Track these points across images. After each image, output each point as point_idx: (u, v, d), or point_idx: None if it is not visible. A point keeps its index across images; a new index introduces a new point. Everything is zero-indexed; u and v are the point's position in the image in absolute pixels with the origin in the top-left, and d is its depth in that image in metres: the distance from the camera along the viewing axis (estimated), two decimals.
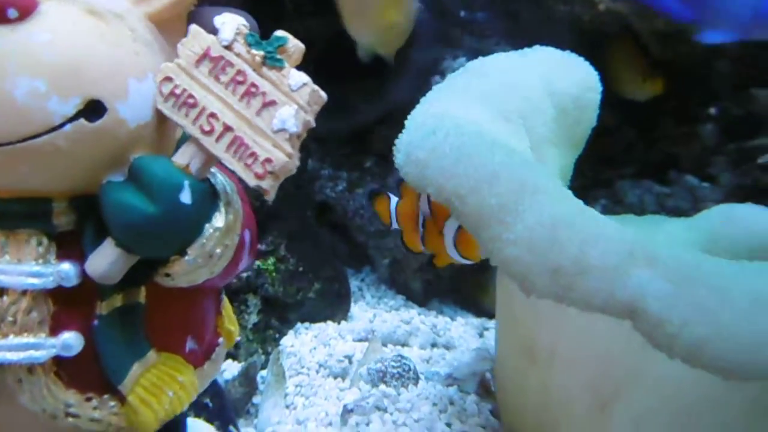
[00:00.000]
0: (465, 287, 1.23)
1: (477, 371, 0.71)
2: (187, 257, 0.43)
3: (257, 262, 0.92)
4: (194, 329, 0.51)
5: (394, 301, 1.20)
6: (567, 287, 0.40)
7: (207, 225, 0.44)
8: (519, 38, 0.97)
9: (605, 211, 1.11)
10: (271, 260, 0.93)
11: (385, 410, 0.63)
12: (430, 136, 0.50)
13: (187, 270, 0.44)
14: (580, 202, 0.45)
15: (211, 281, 0.48)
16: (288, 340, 0.91)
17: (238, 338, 0.88)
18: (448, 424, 0.61)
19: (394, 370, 0.72)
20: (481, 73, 0.67)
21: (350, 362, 0.84)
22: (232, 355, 0.86)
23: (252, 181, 0.43)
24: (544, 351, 0.55)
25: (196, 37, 0.43)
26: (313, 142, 1.29)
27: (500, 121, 0.60)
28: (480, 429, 0.60)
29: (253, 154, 0.43)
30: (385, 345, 0.95)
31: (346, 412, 0.63)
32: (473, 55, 0.84)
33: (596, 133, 1.19)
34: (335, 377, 0.81)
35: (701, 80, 1.05)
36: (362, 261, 1.32)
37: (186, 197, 0.42)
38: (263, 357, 0.86)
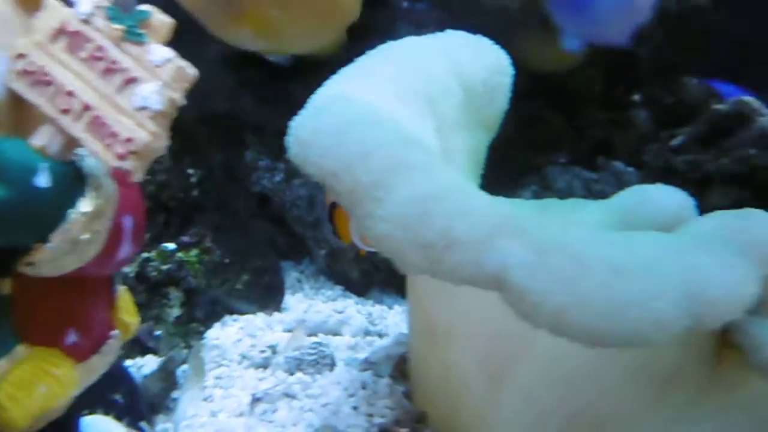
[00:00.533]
0: (401, 275, 1.22)
1: (392, 355, 0.71)
2: (49, 244, 0.41)
3: (179, 254, 0.90)
4: (76, 321, 0.49)
5: (332, 292, 1.19)
6: (436, 261, 0.40)
7: (71, 210, 0.42)
8: (455, 28, 0.97)
9: (535, 197, 1.13)
10: (194, 252, 0.91)
11: (294, 397, 0.62)
12: (315, 115, 0.49)
13: (51, 258, 0.42)
14: (461, 178, 0.45)
15: (86, 270, 0.46)
16: (214, 333, 0.89)
17: (159, 332, 0.86)
18: (355, 408, 0.60)
19: (311, 358, 0.71)
20: (387, 56, 0.66)
21: (274, 352, 0.83)
22: (152, 350, 0.84)
23: (113, 162, 0.41)
24: (442, 330, 0.55)
25: (52, 11, 0.42)
26: (251, 134, 1.27)
27: (401, 102, 0.60)
28: (388, 411, 0.60)
29: (113, 134, 0.41)
30: (315, 334, 0.94)
31: (255, 400, 0.62)
32: None
33: (527, 120, 1.20)
34: (257, 368, 0.80)
35: (624, 66, 1.07)
36: (302, 252, 1.31)
37: (42, 181, 0.40)
38: (185, 351, 0.84)
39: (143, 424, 0.68)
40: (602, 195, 1.09)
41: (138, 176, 0.43)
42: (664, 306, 0.37)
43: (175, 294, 0.88)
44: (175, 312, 0.87)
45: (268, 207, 1.27)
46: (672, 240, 0.45)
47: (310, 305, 1.07)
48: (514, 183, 1.17)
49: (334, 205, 0.88)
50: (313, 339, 0.84)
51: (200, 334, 0.89)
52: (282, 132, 1.35)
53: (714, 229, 0.45)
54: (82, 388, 0.50)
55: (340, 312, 1.03)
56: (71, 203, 0.42)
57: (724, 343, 0.47)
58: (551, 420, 0.49)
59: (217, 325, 0.92)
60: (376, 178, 0.42)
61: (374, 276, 1.22)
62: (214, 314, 0.93)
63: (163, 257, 0.88)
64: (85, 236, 0.43)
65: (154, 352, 0.84)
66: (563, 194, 1.13)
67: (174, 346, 0.84)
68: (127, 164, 0.42)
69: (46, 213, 0.41)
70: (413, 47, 0.70)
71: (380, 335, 0.99)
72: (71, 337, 0.49)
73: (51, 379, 0.45)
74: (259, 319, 0.96)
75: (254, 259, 1.01)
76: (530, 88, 1.15)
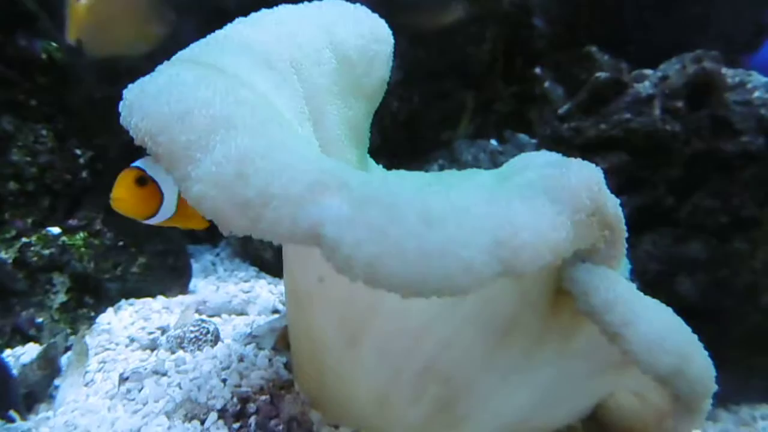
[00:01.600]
0: None
1: (276, 327, 0.70)
2: None
3: (63, 238, 0.86)
4: None
5: (245, 273, 1.17)
6: (255, 220, 0.39)
7: None
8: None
9: (441, 170, 1.14)
10: (80, 235, 0.88)
11: (164, 374, 0.61)
12: (147, 78, 0.47)
13: None
14: (294, 135, 0.45)
15: None
16: (105, 318, 0.87)
17: (41, 320, 0.83)
18: (224, 380, 0.59)
19: (192, 335, 0.70)
20: (255, 22, 0.65)
21: (163, 333, 0.81)
22: (33, 338, 0.80)
23: None
24: (304, 295, 0.55)
25: None
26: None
27: (261, 68, 0.59)
28: (262, 381, 0.59)
29: None
30: (219, 315, 0.93)
31: (122, 379, 0.60)
32: None
33: (436, 96, 1.20)
34: (144, 349, 0.78)
35: (522, 40, 1.09)
36: (218, 235, 1.29)
37: None
38: (72, 338, 0.81)
39: (12, 413, 0.65)
40: None
41: None
42: (472, 253, 0.38)
43: (59, 279, 0.84)
44: (61, 298, 0.84)
45: None
46: (491, 188, 0.47)
47: (220, 287, 1.05)
48: (422, 157, 1.18)
49: None
50: (229, 320, 0.82)
51: (90, 320, 0.86)
52: None
53: (534, 177, 0.46)
54: None
55: (247, 292, 1.02)
56: None
57: (559, 291, 0.48)
58: (404, 375, 0.50)
59: (110, 310, 0.89)
60: (193, 138, 0.41)
61: None
62: (108, 299, 0.91)
63: (44, 241, 0.84)
64: None
65: (36, 340, 0.80)
66: (470, 167, 1.15)
67: (57, 333, 0.81)
68: None
69: None
70: (285, 15, 0.69)
71: None
72: None
73: None
74: (157, 302, 0.94)
75: (154, 241, 0.99)
76: (438, 64, 1.16)
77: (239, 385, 0.58)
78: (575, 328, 0.49)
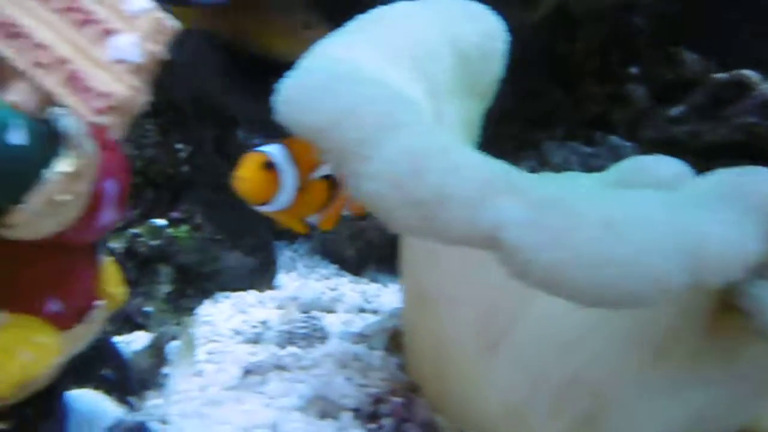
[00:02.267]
0: (396, 254, 1.21)
1: (386, 327, 0.70)
2: (25, 205, 0.40)
3: (169, 230, 0.88)
4: (57, 289, 0.48)
5: (326, 270, 1.18)
6: (428, 219, 0.38)
7: (49, 170, 0.40)
8: None
9: (532, 172, 1.11)
10: (183, 228, 0.89)
11: (285, 369, 0.61)
12: (302, 74, 0.47)
13: (28, 219, 0.40)
14: (451, 137, 0.44)
15: (67, 235, 0.44)
16: (205, 309, 0.88)
17: (150, 308, 0.85)
18: (348, 378, 0.59)
19: (302, 331, 0.70)
20: (376, 19, 0.64)
21: (266, 328, 0.82)
22: (142, 326, 0.83)
23: (90, 117, 0.40)
24: (432, 297, 0.54)
25: None
26: (239, 109, 1.25)
27: (390, 64, 0.58)
28: (381, 382, 0.59)
29: (89, 88, 0.39)
30: (307, 312, 0.93)
31: (245, 372, 0.61)
32: None
33: (524, 95, 1.18)
34: (248, 342, 0.79)
35: (621, 38, 1.05)
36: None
37: (15, 137, 0.38)
38: (176, 327, 0.83)
39: (132, 399, 0.67)
40: (599, 169, 1.08)
41: (117, 133, 0.41)
42: (661, 261, 0.36)
43: (165, 270, 0.86)
44: (166, 288, 0.86)
45: None
46: (669, 197, 0.44)
47: (304, 284, 1.06)
48: (511, 159, 1.16)
49: None
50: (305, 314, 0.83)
51: (191, 311, 0.88)
52: (274, 111, 1.33)
53: (714, 186, 0.44)
54: (67, 356, 0.49)
55: (333, 289, 1.02)
56: (48, 162, 0.41)
57: (723, 307, 0.45)
58: (545, 386, 0.48)
59: (207, 302, 0.91)
60: (364, 135, 0.40)
61: (369, 255, 1.21)
62: (205, 291, 0.92)
63: (152, 233, 0.87)
64: (64, 198, 0.41)
65: (144, 328, 0.82)
66: (560, 169, 1.12)
67: (164, 323, 0.83)
68: (104, 120, 0.40)
69: (21, 172, 0.40)
70: (404, 12, 0.68)
71: (375, 312, 0.98)
72: (53, 305, 0.47)
73: (33, 346, 0.44)
74: (250, 296, 0.95)
75: (247, 236, 1.00)
76: (529, 61, 1.13)
77: (365, 385, 0.58)
78: (739, 347, 0.46)
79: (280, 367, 0.60)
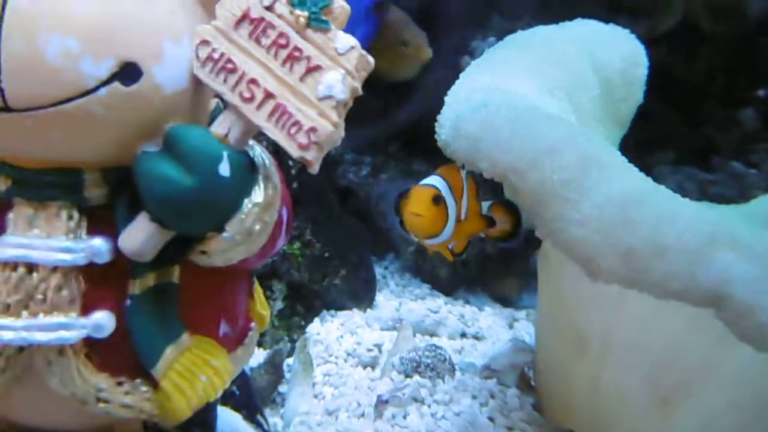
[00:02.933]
0: (492, 276, 1.19)
1: (516, 363, 0.68)
2: (225, 234, 0.40)
3: (283, 247, 0.89)
4: (227, 312, 0.49)
5: (420, 290, 1.16)
6: (641, 271, 0.37)
7: (246, 200, 0.41)
8: (549, 17, 0.93)
9: None
10: (296, 245, 0.90)
11: (422, 402, 0.60)
12: (480, 108, 0.46)
13: (225, 247, 0.41)
14: (650, 179, 0.42)
15: (247, 261, 0.45)
16: (314, 328, 0.88)
17: None
18: (491, 419, 0.57)
19: (429, 360, 0.69)
20: (521, 45, 0.63)
21: (380, 351, 0.81)
22: (257, 342, 0.83)
23: (296, 152, 0.40)
24: (596, 341, 0.52)
25: None
26: None
27: (546, 95, 0.57)
28: (524, 424, 0.57)
29: (296, 123, 0.40)
30: (413, 334, 0.92)
31: (381, 402, 0.60)
32: (503, 34, 0.80)
33: (638, 116, 1.14)
34: (365, 366, 0.78)
35: (749, 58, 1.00)
36: (385, 248, 1.29)
37: (225, 169, 0.39)
38: (289, 345, 0.84)
39: (260, 419, 0.67)
40: (721, 198, 1.03)
41: (316, 168, 0.41)
42: None
43: (278, 287, 0.87)
44: (279, 305, 0.87)
45: (352, 201, 1.26)
46: None
47: (401, 303, 1.05)
48: None
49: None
50: (422, 340, 0.82)
51: (301, 329, 0.89)
52: (367, 121, 1.33)
53: None
54: (231, 379, 0.49)
55: (435, 312, 1.01)
56: (246, 193, 0.41)
57: None
58: None
59: (316, 320, 0.91)
60: (567, 177, 0.39)
61: (463, 275, 1.19)
62: (314, 309, 0.93)
63: None
64: (257, 227, 0.42)
65: (259, 344, 0.83)
66: None
67: (279, 340, 0.84)
68: (309, 155, 0.40)
69: (225, 202, 0.40)
70: (545, 37, 0.67)
71: (477, 338, 0.96)
72: (224, 328, 0.48)
73: (210, 369, 0.44)
74: (356, 315, 0.95)
75: (351, 253, 1.00)
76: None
77: (510, 428, 0.56)
78: None
79: (418, 401, 0.59)
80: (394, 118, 1.25)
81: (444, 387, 0.64)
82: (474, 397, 0.61)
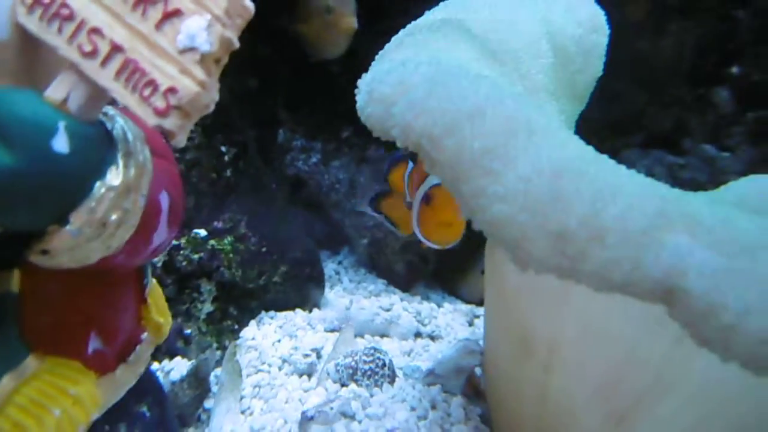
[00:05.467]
0: (453, 271, 1.12)
1: (463, 366, 0.60)
2: (69, 227, 0.32)
3: (211, 242, 0.81)
4: (99, 324, 0.40)
5: (375, 286, 1.09)
6: (576, 258, 0.29)
7: (98, 183, 0.33)
8: None
9: None
10: (227, 239, 0.82)
11: (352, 417, 0.52)
12: (397, 68, 0.38)
13: (71, 244, 0.33)
14: (591, 148, 0.34)
15: (114, 261, 0.36)
16: (249, 332, 0.80)
17: (188, 331, 0.77)
18: None
19: (366, 366, 0.61)
20: (466, 6, 0.56)
21: (318, 356, 0.73)
22: (181, 352, 0.74)
23: (152, 120, 0.32)
24: (542, 345, 0.45)
25: None
26: (284, 110, 1.17)
27: (488, 60, 0.49)
28: None
29: (151, 82, 0.31)
30: (361, 336, 0.85)
31: (306, 420, 0.52)
32: None
33: (603, 98, 1.08)
34: (300, 375, 0.70)
35: (722, 34, 0.94)
36: (340, 241, 1.22)
37: (61, 144, 0.31)
38: (219, 352, 0.75)
39: None
40: (692, 183, 0.97)
41: (181, 139, 0.33)
42: None
43: (206, 287, 0.78)
44: (207, 308, 0.78)
45: (302, 191, 1.18)
46: None
47: (352, 301, 0.98)
48: None
49: (381, 194, 0.78)
50: (365, 343, 0.74)
51: (234, 333, 0.80)
52: (318, 109, 1.25)
53: None
54: (105, 408, 0.41)
55: (387, 310, 0.94)
56: (96, 175, 0.33)
57: None
58: None
59: (252, 323, 0.83)
60: (489, 144, 0.31)
61: (421, 270, 1.12)
62: (249, 310, 0.84)
63: (193, 245, 0.79)
64: (114, 216, 0.33)
65: (183, 354, 0.74)
66: None
67: (206, 347, 0.75)
68: (168, 122, 0.32)
69: (64, 186, 0.32)
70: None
71: (432, 337, 0.89)
72: (94, 344, 0.39)
73: (68, 400, 0.36)
74: (298, 316, 0.87)
75: (294, 248, 0.92)
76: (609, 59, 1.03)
77: None
78: None
79: (347, 416, 0.52)
80: (345, 102, 1.17)
81: (380, 398, 0.56)
82: (412, 409, 0.54)
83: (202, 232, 0.81)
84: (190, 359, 0.72)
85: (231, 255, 0.81)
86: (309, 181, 1.15)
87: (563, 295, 0.41)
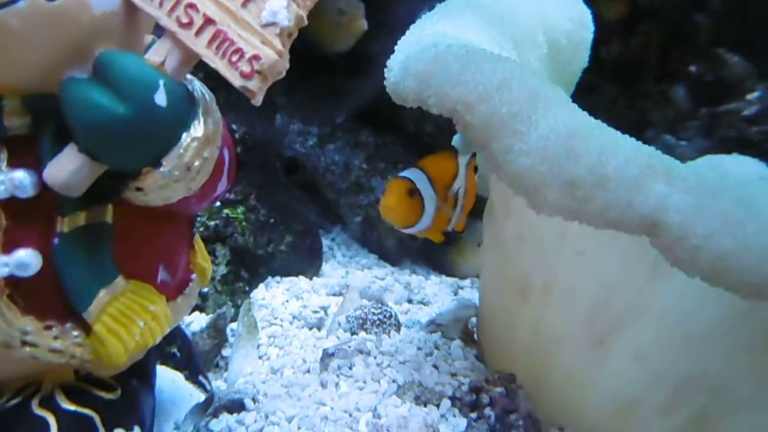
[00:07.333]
0: (438, 247, 1.20)
1: (461, 317, 0.68)
2: (162, 168, 0.38)
3: (226, 210, 0.87)
4: (166, 259, 0.46)
5: (367, 260, 1.16)
6: (583, 200, 0.37)
7: (184, 133, 0.39)
8: None
9: None
10: (240, 209, 0.88)
11: (368, 353, 0.59)
12: (430, 48, 0.46)
13: (162, 183, 0.39)
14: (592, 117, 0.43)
15: (188, 202, 0.43)
16: (259, 293, 0.86)
17: (206, 289, 0.83)
18: (435, 366, 0.58)
19: (375, 317, 0.69)
20: (470, 2, 0.63)
21: (326, 313, 0.80)
22: (199, 307, 0.81)
23: (237, 81, 0.38)
24: (537, 286, 0.53)
25: None
26: (281, 96, 1.23)
27: (495, 48, 0.57)
28: (467, 371, 0.58)
29: (238, 50, 0.38)
30: (359, 298, 0.92)
31: (327, 356, 0.59)
32: None
33: (578, 90, 1.17)
34: (311, 328, 0.77)
35: (681, 35, 1.04)
36: (332, 220, 1.28)
37: (161, 98, 0.37)
38: (232, 310, 0.81)
39: (202, 379, 0.65)
40: None
41: (259, 99, 0.40)
42: None
43: (221, 251, 0.84)
44: (222, 270, 0.84)
45: (299, 173, 1.24)
46: None
47: (348, 272, 1.05)
48: None
49: None
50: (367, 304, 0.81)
51: (245, 294, 0.86)
52: (314, 96, 1.30)
53: None
54: (171, 328, 0.47)
55: (382, 279, 1.01)
56: (185, 127, 0.39)
57: None
58: (663, 382, 0.47)
59: (261, 286, 0.89)
60: (515, 109, 0.39)
61: (408, 246, 1.20)
62: (258, 275, 0.91)
63: (209, 213, 0.85)
64: (197, 162, 0.40)
65: (201, 309, 0.80)
66: None
67: (222, 305, 0.81)
68: (252, 84, 0.38)
69: (161, 134, 0.38)
70: None
71: (423, 303, 0.97)
72: (162, 275, 0.46)
73: (148, 315, 0.42)
74: (302, 282, 0.93)
75: (297, 220, 0.98)
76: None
77: (454, 374, 0.57)
78: None
79: (363, 352, 0.59)
80: (342, 89, 1.23)
81: (390, 341, 0.64)
82: (419, 349, 0.62)
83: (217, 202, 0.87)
84: (207, 314, 0.79)
85: (244, 223, 0.87)
86: (305, 162, 1.21)
87: (558, 244, 0.50)
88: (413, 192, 0.58)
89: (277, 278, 0.93)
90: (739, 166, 0.70)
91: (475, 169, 0.66)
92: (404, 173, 0.60)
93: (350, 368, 0.58)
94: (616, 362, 0.49)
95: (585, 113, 0.42)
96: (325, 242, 1.25)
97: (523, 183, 0.39)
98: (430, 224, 0.61)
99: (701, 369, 0.46)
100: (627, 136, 0.41)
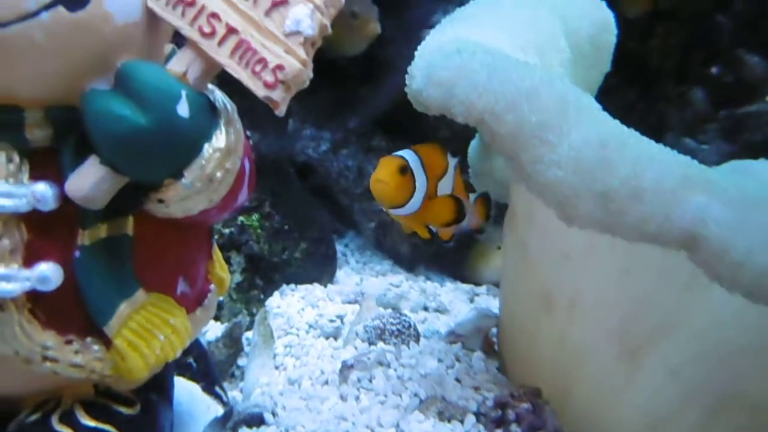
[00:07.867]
0: (453, 254, 1.19)
1: (481, 327, 0.67)
2: (184, 180, 0.38)
3: (241, 218, 0.86)
4: (186, 270, 0.46)
5: (381, 266, 1.15)
6: (618, 212, 0.36)
7: (206, 144, 0.38)
8: None
9: None
10: (255, 216, 0.87)
11: (388, 365, 0.58)
12: (454, 55, 0.45)
13: (184, 195, 0.38)
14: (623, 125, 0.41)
15: (208, 214, 0.42)
16: (274, 301, 0.85)
17: (221, 298, 0.82)
18: (458, 380, 0.57)
19: (393, 327, 0.67)
20: (492, 4, 0.62)
21: (342, 322, 0.79)
22: (214, 316, 0.80)
23: (261, 91, 0.37)
24: (563, 299, 0.52)
25: None
26: (293, 100, 1.22)
27: (518, 52, 0.56)
28: (491, 385, 0.57)
29: (261, 60, 0.37)
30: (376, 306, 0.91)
31: (346, 367, 0.58)
32: None
33: (598, 92, 1.16)
34: (327, 337, 0.76)
35: (702, 36, 1.03)
36: (346, 225, 1.27)
37: (183, 109, 0.36)
38: (248, 318, 0.81)
39: (219, 390, 0.64)
40: None
41: (282, 110, 0.39)
42: None
43: (236, 259, 0.84)
44: (237, 278, 0.83)
45: (311, 178, 1.23)
46: None
47: (362, 278, 1.04)
48: None
49: None
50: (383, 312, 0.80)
51: (260, 302, 0.86)
52: (326, 101, 1.30)
53: None
54: (191, 341, 0.47)
55: (397, 286, 1.00)
56: (207, 137, 0.39)
57: None
58: (697, 399, 0.46)
59: (275, 294, 0.88)
60: (545, 119, 0.38)
61: (424, 251, 1.18)
62: (273, 282, 0.90)
63: (224, 220, 0.84)
64: (219, 174, 0.39)
65: (216, 318, 0.80)
66: None
67: (237, 313, 0.81)
68: (275, 95, 0.38)
69: (183, 145, 0.37)
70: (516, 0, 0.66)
71: (439, 311, 0.96)
72: (182, 287, 0.45)
73: (169, 328, 0.42)
74: (317, 289, 0.92)
75: (311, 228, 0.98)
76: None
77: (477, 388, 0.55)
78: None
79: (383, 364, 0.58)
80: (355, 94, 1.22)
81: (409, 352, 0.62)
82: (440, 361, 0.60)
83: None
84: (223, 323, 0.78)
85: (259, 231, 0.86)
86: (318, 168, 1.20)
87: (586, 255, 0.48)
88: (405, 169, 0.57)
89: (292, 286, 0.92)
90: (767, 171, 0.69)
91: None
92: (398, 152, 0.59)
93: (370, 381, 0.57)
94: (648, 378, 0.47)
95: (617, 121, 0.41)
96: (339, 248, 1.24)
97: (554, 195, 0.37)
98: (418, 210, 0.59)
99: (739, 387, 0.44)
100: (660, 144, 0.40)
